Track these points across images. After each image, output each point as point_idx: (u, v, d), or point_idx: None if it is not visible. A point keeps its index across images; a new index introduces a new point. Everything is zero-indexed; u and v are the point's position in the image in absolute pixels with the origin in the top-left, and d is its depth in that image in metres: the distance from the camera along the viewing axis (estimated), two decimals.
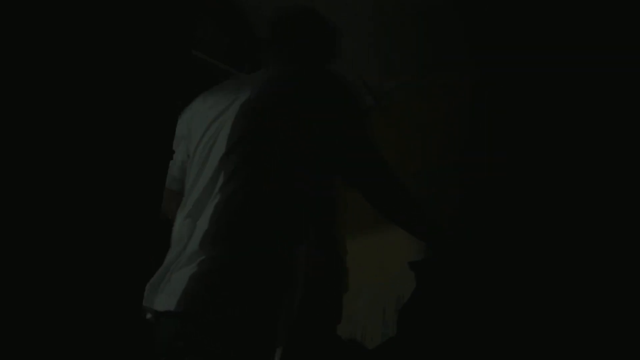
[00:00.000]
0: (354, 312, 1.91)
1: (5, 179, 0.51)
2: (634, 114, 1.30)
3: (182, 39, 0.76)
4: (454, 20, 1.70)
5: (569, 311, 1.28)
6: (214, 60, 1.85)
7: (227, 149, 1.19)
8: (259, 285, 1.10)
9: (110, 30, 0.63)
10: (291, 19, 1.44)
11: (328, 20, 1.46)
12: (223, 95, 1.33)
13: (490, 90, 1.69)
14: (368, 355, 1.74)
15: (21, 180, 0.52)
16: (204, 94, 1.39)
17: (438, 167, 1.79)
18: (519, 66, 1.62)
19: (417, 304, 1.59)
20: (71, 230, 0.55)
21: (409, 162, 1.90)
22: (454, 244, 1.40)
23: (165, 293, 1.09)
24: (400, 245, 1.83)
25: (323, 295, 1.59)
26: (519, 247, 1.44)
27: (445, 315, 1.48)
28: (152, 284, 1.12)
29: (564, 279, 1.32)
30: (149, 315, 1.11)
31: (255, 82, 1.30)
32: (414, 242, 1.77)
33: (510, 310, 1.37)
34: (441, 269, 1.55)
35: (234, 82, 1.49)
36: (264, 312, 1.09)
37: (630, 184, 1.26)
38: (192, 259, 1.10)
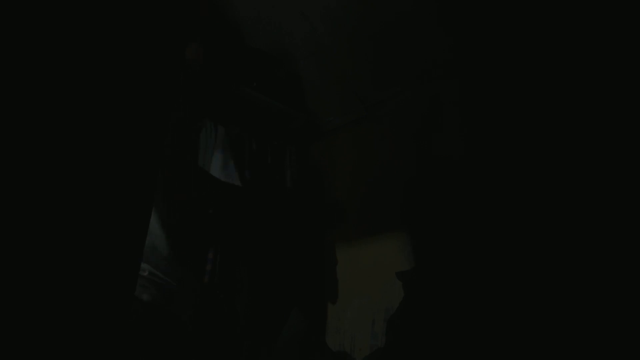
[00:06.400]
0: (343, 322, 1.91)
1: None
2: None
3: (174, 48, 0.77)
4: (438, 30, 1.72)
5: (561, 321, 1.29)
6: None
7: None
8: None
9: (103, 35, 0.64)
10: None
11: None
12: None
13: (478, 98, 1.72)
14: None
15: (10, 181, 0.52)
16: None
17: (432, 174, 1.81)
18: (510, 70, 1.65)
19: (406, 314, 1.59)
20: (60, 230, 0.55)
21: (402, 170, 1.92)
22: None
23: None
24: (389, 255, 1.84)
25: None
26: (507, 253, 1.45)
27: (433, 325, 1.48)
28: None
29: (557, 287, 1.33)
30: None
31: None
32: (402, 252, 1.78)
33: (498, 318, 1.38)
34: (429, 279, 1.56)
35: None
36: None
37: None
38: None
